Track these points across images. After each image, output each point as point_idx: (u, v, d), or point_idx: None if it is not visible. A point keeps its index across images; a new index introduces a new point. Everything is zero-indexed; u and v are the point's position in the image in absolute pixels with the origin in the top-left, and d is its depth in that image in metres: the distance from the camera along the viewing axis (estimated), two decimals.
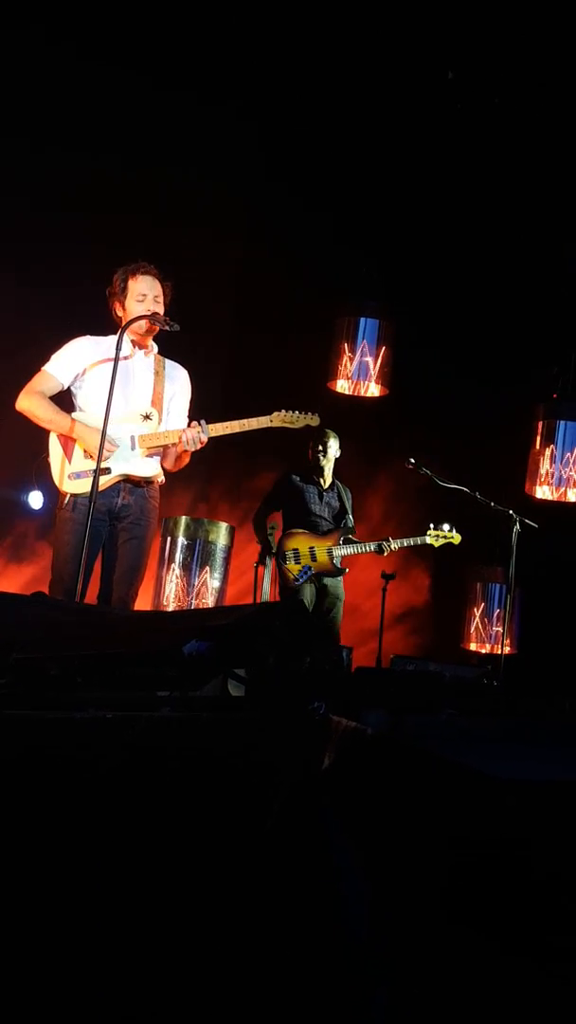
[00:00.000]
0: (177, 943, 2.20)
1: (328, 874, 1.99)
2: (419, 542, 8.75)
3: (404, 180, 10.15)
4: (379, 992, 1.90)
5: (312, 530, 8.64)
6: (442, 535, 8.73)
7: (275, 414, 5.98)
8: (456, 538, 8.77)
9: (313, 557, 8.52)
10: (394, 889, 1.93)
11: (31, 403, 5.85)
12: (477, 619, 10.34)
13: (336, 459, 8.85)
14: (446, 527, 8.74)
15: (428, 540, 8.72)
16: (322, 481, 8.79)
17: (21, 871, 2.58)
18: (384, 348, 10.21)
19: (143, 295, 5.87)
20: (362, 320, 10.25)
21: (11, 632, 3.40)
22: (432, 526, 8.72)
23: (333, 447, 8.78)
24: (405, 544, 8.72)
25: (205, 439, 5.79)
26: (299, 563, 8.50)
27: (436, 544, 8.76)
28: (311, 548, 8.54)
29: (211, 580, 8.94)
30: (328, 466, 8.79)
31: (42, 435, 5.94)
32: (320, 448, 8.72)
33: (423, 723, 2.36)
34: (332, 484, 8.85)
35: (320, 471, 8.77)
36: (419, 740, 2.16)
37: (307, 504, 8.71)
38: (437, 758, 2.03)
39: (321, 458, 8.73)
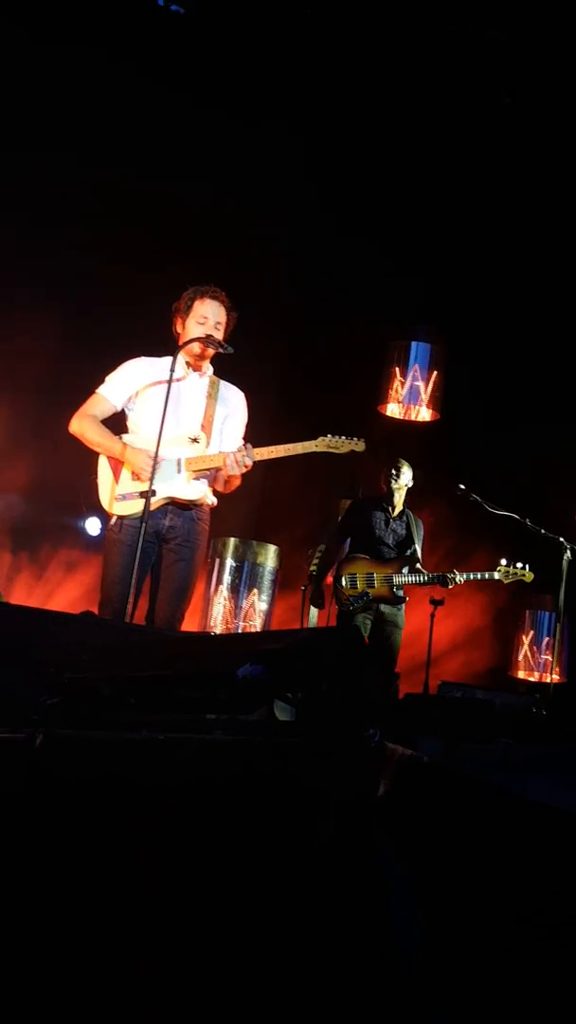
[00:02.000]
0: (226, 962, 2.18)
1: (381, 903, 1.97)
2: (487, 577, 8.59)
3: (457, 205, 10.14)
4: (431, 1021, 1.88)
5: (374, 556, 8.54)
6: (513, 572, 8.55)
7: (320, 439, 5.95)
8: (528, 576, 8.57)
9: (370, 583, 8.42)
10: (450, 919, 1.91)
11: (82, 426, 5.87)
12: (526, 647, 10.26)
13: (408, 488, 8.73)
14: (519, 564, 8.58)
15: (497, 576, 8.56)
16: (392, 508, 8.69)
17: (74, 888, 2.57)
18: (436, 372, 10.21)
19: (205, 318, 5.87)
20: (414, 344, 10.27)
21: (63, 652, 3.40)
22: (504, 562, 8.56)
23: (406, 475, 8.66)
24: (472, 578, 8.59)
25: (250, 463, 5.76)
26: (355, 588, 8.42)
27: (506, 581, 8.58)
28: (369, 574, 8.45)
29: (259, 602, 8.94)
30: (399, 493, 8.68)
31: (94, 463, 5.95)
32: (394, 474, 8.62)
33: (481, 752, 2.33)
34: (402, 512, 8.74)
35: (391, 498, 8.67)
36: (477, 770, 2.14)
37: (373, 531, 8.61)
38: (494, 788, 2.01)
39: (393, 483, 8.61)
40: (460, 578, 8.46)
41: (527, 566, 8.56)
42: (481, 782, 2.01)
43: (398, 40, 9.02)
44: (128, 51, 9.28)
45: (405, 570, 8.48)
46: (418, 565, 8.53)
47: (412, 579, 8.46)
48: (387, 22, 8.90)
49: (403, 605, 8.56)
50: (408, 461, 8.67)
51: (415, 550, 8.64)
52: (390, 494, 8.66)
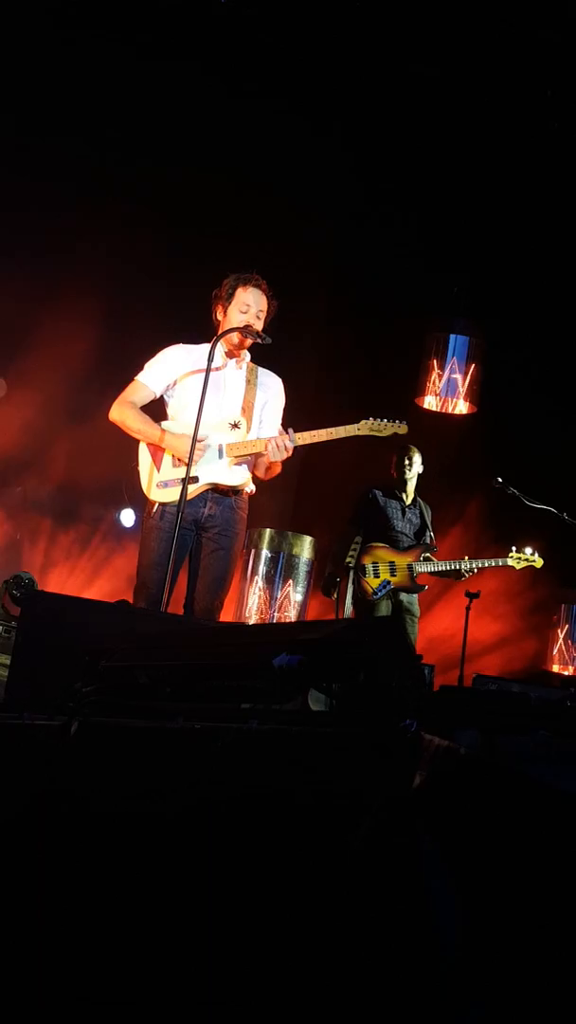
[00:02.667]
0: (263, 952, 2.18)
1: (420, 894, 1.97)
2: (500, 563, 8.61)
3: (499, 197, 10.10)
4: (473, 1011, 1.87)
5: (393, 545, 8.57)
6: (524, 558, 8.58)
7: (362, 422, 5.93)
8: (538, 562, 8.62)
9: (392, 572, 8.45)
10: (489, 912, 1.90)
11: (123, 414, 5.88)
12: (560, 640, 10.22)
13: (419, 475, 8.78)
14: (528, 550, 8.60)
15: (510, 562, 8.58)
16: (405, 496, 8.73)
17: (109, 876, 2.58)
18: (474, 365, 10.16)
19: (247, 306, 5.87)
20: (452, 337, 10.22)
21: (100, 640, 3.40)
22: (515, 548, 8.59)
23: (417, 462, 8.71)
24: (486, 565, 8.59)
25: (291, 448, 5.75)
26: (378, 577, 8.44)
27: (518, 567, 8.61)
28: (391, 563, 8.48)
29: (294, 593, 8.94)
30: (412, 481, 8.73)
31: (134, 450, 5.96)
32: (407, 463, 8.65)
33: (517, 744, 2.32)
34: (414, 500, 8.79)
35: (404, 486, 8.71)
36: (514, 761, 2.13)
37: (390, 520, 8.65)
38: (534, 781, 2.00)
39: (407, 471, 8.66)
40: (474, 565, 8.47)
41: (536, 552, 8.55)
42: (518, 773, 2.00)
43: (446, 31, 8.98)
44: (173, 43, 9.30)
45: (423, 558, 8.51)
46: (432, 554, 8.56)
47: (431, 567, 8.49)
48: (436, 13, 8.87)
49: (418, 593, 8.59)
50: (417, 447, 8.67)
51: (431, 537, 8.67)
52: (403, 482, 8.69)
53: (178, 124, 9.51)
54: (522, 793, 1.96)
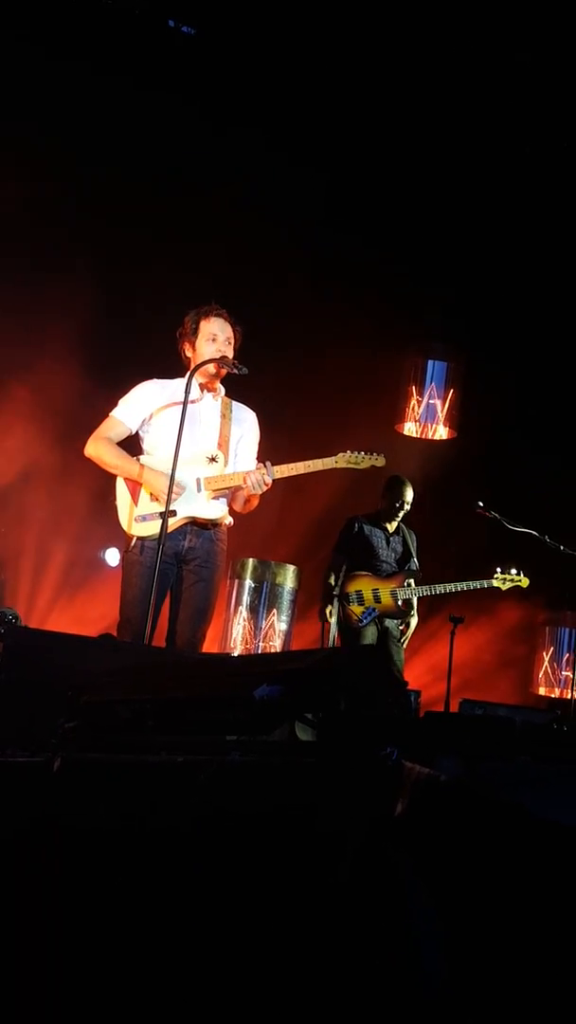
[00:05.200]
0: (246, 982, 2.17)
1: (403, 922, 1.96)
2: (485, 585, 8.63)
3: (474, 222, 10.15)
4: None
5: (376, 573, 8.59)
6: (509, 579, 8.60)
7: (340, 455, 5.94)
8: (524, 582, 8.64)
9: (377, 599, 8.47)
10: (472, 942, 1.90)
11: (98, 449, 5.89)
12: (546, 663, 10.24)
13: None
14: (513, 571, 8.62)
15: (495, 583, 8.61)
16: (389, 527, 8.75)
17: (93, 912, 2.57)
18: (452, 391, 10.20)
19: (214, 335, 5.90)
20: (430, 362, 10.26)
21: (82, 675, 3.40)
22: (499, 569, 8.61)
23: (410, 497, 8.73)
24: (470, 587, 8.62)
25: (270, 481, 5.76)
26: (363, 605, 8.46)
27: (503, 587, 8.63)
28: (375, 590, 8.50)
29: (278, 623, 8.93)
30: (402, 513, 8.75)
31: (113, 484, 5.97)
32: (398, 504, 8.68)
33: (498, 770, 2.32)
34: (398, 528, 8.81)
35: (390, 516, 8.73)
36: (494, 788, 2.13)
37: (375, 549, 8.67)
38: (513, 808, 2.00)
39: (397, 509, 8.69)
40: (459, 587, 8.50)
41: (521, 571, 8.57)
42: (495, 800, 2.00)
43: (417, 50, 9.04)
44: (142, 71, 9.37)
45: (408, 583, 8.54)
46: (417, 579, 8.58)
47: (416, 592, 8.51)
48: (407, 32, 8.92)
49: (406, 619, 8.60)
50: (408, 480, 8.70)
51: (415, 563, 8.69)
52: (391, 514, 8.70)
53: (146, 150, 9.56)
54: (501, 821, 1.96)
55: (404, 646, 8.72)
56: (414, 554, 8.77)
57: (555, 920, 1.84)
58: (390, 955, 1.96)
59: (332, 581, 8.54)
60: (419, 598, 8.60)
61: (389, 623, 8.58)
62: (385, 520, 8.75)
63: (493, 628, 10.44)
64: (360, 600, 8.47)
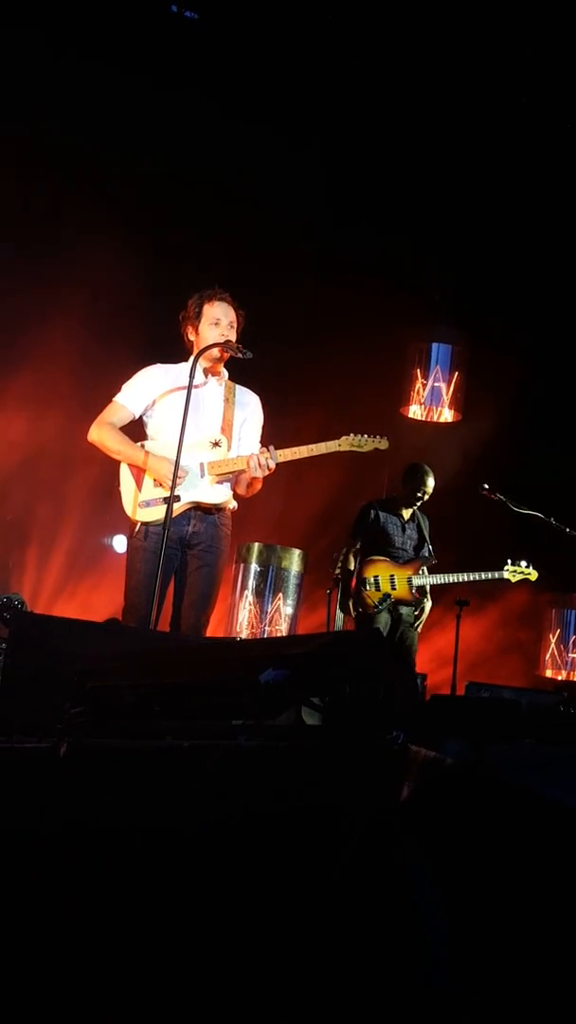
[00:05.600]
0: (252, 966, 2.17)
1: (409, 907, 1.96)
2: (496, 576, 8.62)
3: (482, 202, 10.11)
4: None
5: (393, 559, 8.58)
6: (520, 571, 8.60)
7: (343, 438, 5.93)
8: (533, 575, 8.64)
9: (393, 585, 8.46)
10: (478, 927, 1.90)
11: (102, 434, 5.88)
12: (553, 645, 10.23)
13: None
14: (523, 563, 8.61)
15: (505, 575, 8.60)
16: (404, 513, 8.73)
17: (99, 898, 2.57)
18: (457, 373, 10.18)
19: (217, 320, 5.89)
20: (434, 345, 10.24)
21: (88, 660, 3.40)
22: (510, 561, 8.60)
23: (431, 484, 8.70)
24: (482, 577, 8.61)
25: (273, 465, 5.75)
26: (379, 590, 8.45)
27: (513, 580, 8.63)
28: (392, 576, 8.49)
29: (284, 607, 8.93)
30: (421, 501, 8.74)
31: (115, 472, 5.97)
32: (420, 493, 8.66)
33: (504, 753, 2.32)
34: (413, 514, 8.79)
35: (409, 503, 8.71)
36: (500, 771, 2.13)
37: (390, 536, 8.65)
38: (519, 790, 2.00)
39: (418, 496, 8.67)
40: (471, 577, 8.50)
41: (531, 564, 8.58)
42: (501, 783, 2.00)
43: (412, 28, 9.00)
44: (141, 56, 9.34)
45: (424, 571, 8.54)
46: (431, 566, 8.58)
47: (430, 580, 8.51)
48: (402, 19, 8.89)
49: (420, 605, 8.59)
50: (429, 469, 8.67)
51: (430, 550, 8.68)
52: (410, 502, 8.68)
53: (144, 136, 9.52)
54: (507, 803, 1.96)
55: (418, 630, 8.71)
56: (428, 540, 8.76)
57: (560, 901, 1.84)
58: (395, 938, 1.96)
59: (351, 567, 8.55)
60: (432, 585, 8.59)
61: (403, 609, 8.56)
62: (402, 507, 8.73)
63: (499, 612, 10.42)
64: (377, 586, 8.46)
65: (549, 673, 10.25)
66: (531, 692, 8.55)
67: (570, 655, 10.11)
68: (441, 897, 1.93)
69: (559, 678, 10.15)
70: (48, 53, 9.09)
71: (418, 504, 8.74)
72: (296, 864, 2.18)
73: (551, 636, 10.27)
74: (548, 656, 10.25)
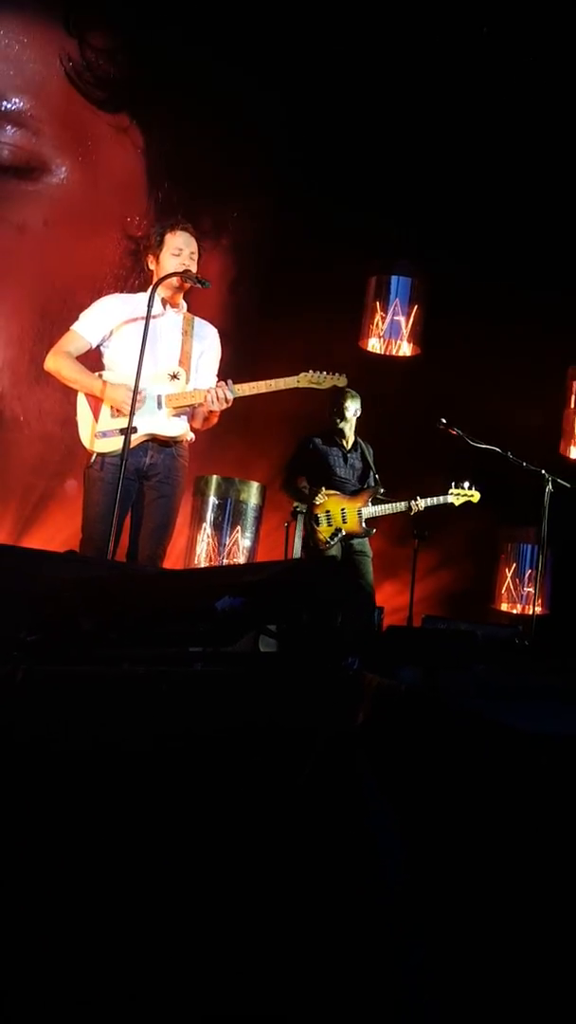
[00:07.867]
0: (204, 900, 2.20)
1: (362, 832, 1.99)
2: (443, 501, 8.63)
3: (435, 136, 10.07)
4: (413, 952, 1.90)
5: (341, 491, 8.55)
6: (463, 493, 8.60)
7: (302, 375, 5.94)
8: (475, 496, 8.64)
9: (344, 519, 8.45)
10: (429, 847, 1.93)
11: (58, 363, 5.85)
12: (508, 579, 10.31)
13: (357, 419, 8.71)
14: (466, 485, 8.63)
15: (450, 499, 8.61)
16: (344, 443, 8.68)
17: (54, 830, 2.59)
18: (416, 307, 10.16)
19: (179, 249, 5.86)
20: (394, 278, 10.21)
21: (44, 588, 3.40)
22: (453, 484, 8.62)
23: (351, 408, 8.61)
24: (432, 503, 8.61)
25: (231, 399, 5.76)
26: (331, 526, 8.44)
27: (457, 503, 8.63)
28: (342, 510, 8.47)
29: (242, 539, 8.94)
30: (348, 427, 8.65)
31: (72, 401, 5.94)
32: (336, 411, 8.58)
33: (456, 679, 2.35)
34: (355, 444, 8.74)
35: (341, 433, 8.65)
36: (452, 696, 2.16)
37: (331, 468, 8.60)
38: (469, 714, 2.03)
39: (339, 421, 8.59)
40: (422, 503, 8.50)
41: (474, 486, 8.60)
42: (454, 708, 2.03)
43: None
44: None
45: (371, 502, 8.51)
46: (380, 495, 8.56)
47: (379, 510, 8.50)
48: None
49: (369, 534, 8.60)
50: (354, 392, 8.60)
51: (375, 478, 8.66)
52: (339, 429, 8.63)
53: None
54: (457, 727, 1.98)
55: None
56: (373, 468, 8.72)
57: (508, 820, 1.87)
58: (349, 862, 1.99)
59: (302, 486, 8.52)
60: (382, 515, 8.58)
61: (355, 541, 8.56)
62: (337, 436, 8.67)
63: (455, 546, 10.46)
64: (329, 521, 8.43)
65: (505, 607, 10.34)
66: (488, 626, 8.63)
67: (525, 589, 10.19)
68: (395, 818, 1.96)
69: (514, 612, 10.25)
70: None
71: (347, 428, 8.62)
72: (253, 785, 2.20)
73: (507, 570, 10.35)
74: (504, 590, 10.33)
